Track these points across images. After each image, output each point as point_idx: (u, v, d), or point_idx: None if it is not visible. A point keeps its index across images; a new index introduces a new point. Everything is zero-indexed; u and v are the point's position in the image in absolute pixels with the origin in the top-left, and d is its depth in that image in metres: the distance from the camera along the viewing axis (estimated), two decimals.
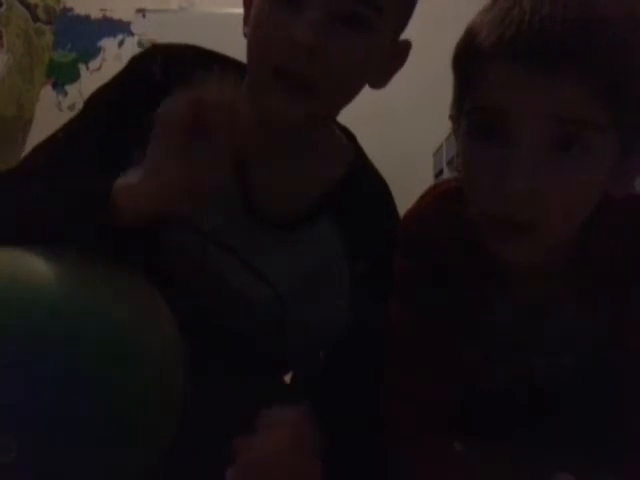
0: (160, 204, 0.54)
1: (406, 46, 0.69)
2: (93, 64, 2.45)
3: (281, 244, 0.72)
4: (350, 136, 0.80)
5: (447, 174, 1.90)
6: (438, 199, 0.74)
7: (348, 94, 0.66)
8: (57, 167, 0.64)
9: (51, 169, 0.64)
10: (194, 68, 0.70)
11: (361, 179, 0.76)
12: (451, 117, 0.67)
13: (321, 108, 0.64)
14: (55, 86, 2.45)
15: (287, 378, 0.88)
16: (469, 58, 0.59)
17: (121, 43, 2.46)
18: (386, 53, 0.66)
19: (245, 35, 0.66)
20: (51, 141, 0.70)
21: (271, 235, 0.71)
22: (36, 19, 2.44)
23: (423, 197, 0.76)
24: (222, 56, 0.74)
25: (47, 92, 2.43)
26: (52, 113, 2.31)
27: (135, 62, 0.72)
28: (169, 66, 0.70)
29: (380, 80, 0.69)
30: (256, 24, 0.63)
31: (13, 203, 0.62)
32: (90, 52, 2.46)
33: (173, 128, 0.51)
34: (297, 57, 0.58)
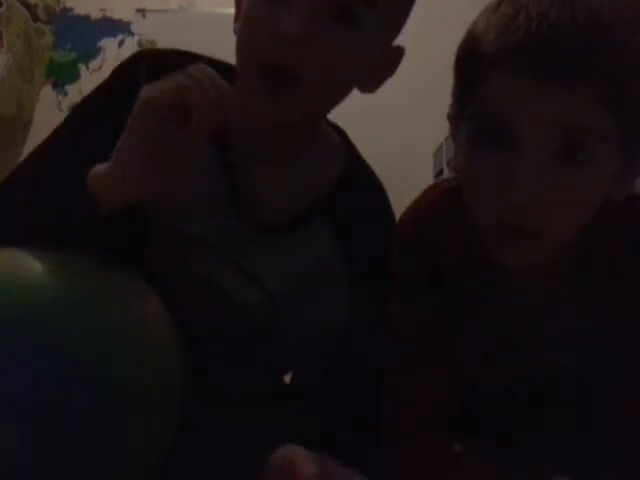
0: (131, 189, 0.54)
1: (399, 52, 0.67)
2: (93, 64, 2.45)
3: (275, 246, 0.71)
4: (341, 133, 0.78)
5: (447, 174, 1.90)
6: (437, 199, 0.74)
7: (334, 94, 0.65)
8: (45, 176, 0.64)
9: (39, 179, 0.64)
10: None
11: (356, 179, 0.75)
12: (449, 117, 0.66)
13: (305, 108, 0.62)
14: (55, 86, 2.45)
15: (287, 378, 0.88)
16: (472, 62, 0.58)
17: (121, 43, 2.46)
18: (378, 57, 0.64)
19: (235, 32, 0.65)
20: (39, 151, 0.70)
21: (264, 238, 0.71)
22: (36, 19, 2.44)
23: (421, 197, 0.76)
24: (212, 60, 0.73)
25: (47, 92, 2.44)
26: (52, 113, 2.31)
27: (121, 68, 0.71)
28: (156, 72, 0.69)
29: (370, 85, 0.68)
30: (245, 21, 0.62)
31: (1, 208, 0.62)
32: (90, 52, 2.46)
33: (151, 108, 0.51)
34: (284, 50, 0.57)
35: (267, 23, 0.58)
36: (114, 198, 0.54)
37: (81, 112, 0.71)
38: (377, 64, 0.65)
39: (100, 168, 0.55)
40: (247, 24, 0.62)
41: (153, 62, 0.70)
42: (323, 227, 0.72)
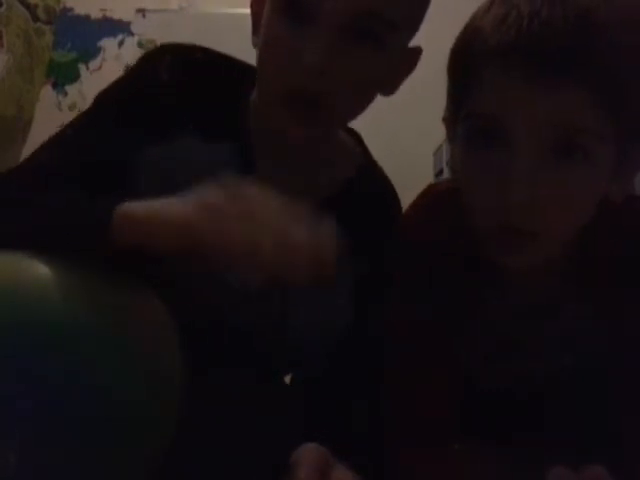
0: (182, 243, 0.49)
1: (417, 52, 0.69)
2: (93, 64, 2.44)
3: None
4: (356, 137, 0.80)
5: (447, 174, 1.90)
6: (436, 199, 0.74)
7: (362, 107, 0.67)
8: (64, 165, 0.64)
9: (58, 167, 0.64)
10: (202, 69, 0.70)
11: (368, 181, 0.76)
12: (444, 120, 0.66)
13: (336, 124, 0.65)
14: (55, 86, 2.44)
15: (287, 379, 0.88)
16: (465, 63, 0.58)
17: (121, 43, 2.46)
18: (397, 61, 0.66)
19: (254, 45, 0.66)
20: (58, 138, 0.69)
21: None
22: (36, 19, 2.44)
23: (421, 197, 0.76)
24: (230, 58, 0.74)
25: (47, 92, 2.43)
26: (52, 113, 2.30)
27: (144, 62, 0.72)
28: (178, 67, 0.70)
29: (390, 88, 0.69)
30: (266, 42, 0.62)
31: (14, 206, 0.61)
32: (90, 52, 2.46)
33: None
34: (310, 80, 0.58)
35: (289, 48, 0.59)
36: (153, 241, 0.50)
37: (105, 103, 0.70)
38: (396, 67, 0.67)
39: (136, 209, 0.50)
40: (269, 47, 0.62)
41: (178, 57, 0.70)
42: None
